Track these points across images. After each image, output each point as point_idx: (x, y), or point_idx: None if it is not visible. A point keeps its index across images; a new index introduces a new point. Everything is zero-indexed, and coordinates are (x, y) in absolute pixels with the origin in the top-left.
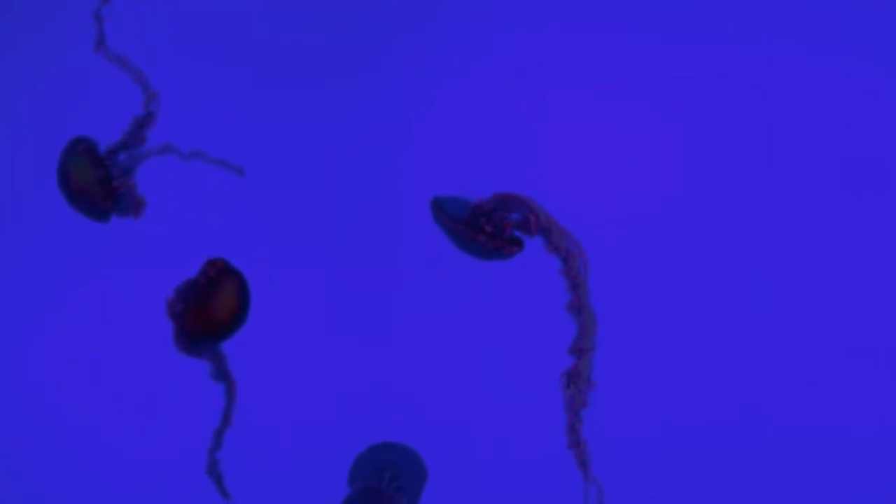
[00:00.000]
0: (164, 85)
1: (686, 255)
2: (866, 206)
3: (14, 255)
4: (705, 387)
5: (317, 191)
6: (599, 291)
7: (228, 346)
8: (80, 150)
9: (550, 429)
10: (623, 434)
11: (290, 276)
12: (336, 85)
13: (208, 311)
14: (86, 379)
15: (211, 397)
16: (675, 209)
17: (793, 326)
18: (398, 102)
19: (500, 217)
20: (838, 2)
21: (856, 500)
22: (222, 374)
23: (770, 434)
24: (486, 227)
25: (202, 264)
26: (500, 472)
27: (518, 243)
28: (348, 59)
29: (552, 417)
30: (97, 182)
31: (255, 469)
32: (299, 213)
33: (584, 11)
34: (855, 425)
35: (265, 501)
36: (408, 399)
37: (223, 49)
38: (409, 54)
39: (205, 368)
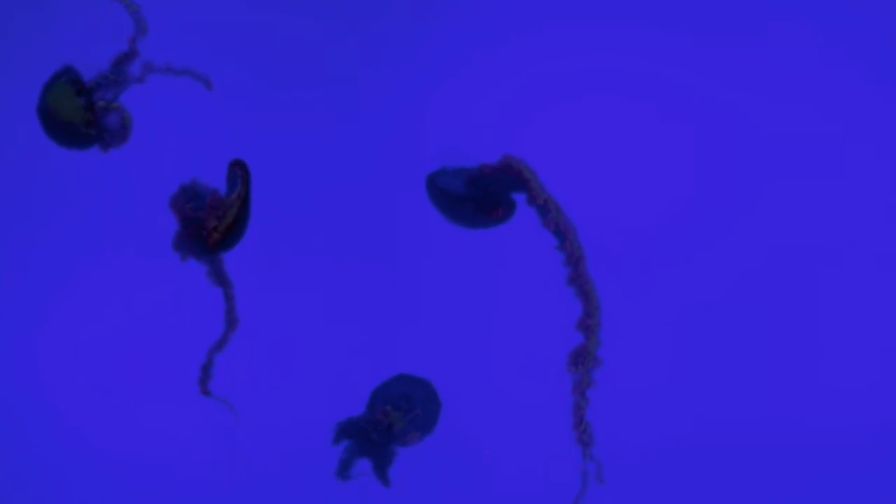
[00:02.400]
0: (164, 71)
1: (685, 248)
2: (870, 208)
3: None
4: (705, 379)
5: (317, 180)
6: (601, 284)
7: (250, 295)
8: (63, 81)
9: (556, 372)
10: (624, 423)
11: (295, 247)
12: (336, 81)
13: (233, 222)
14: (83, 374)
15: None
16: (673, 202)
17: (788, 318)
18: (397, 100)
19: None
20: (841, 5)
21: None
22: (221, 277)
23: (771, 429)
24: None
25: (231, 168)
26: (508, 411)
27: (509, 207)
28: (348, 57)
29: (558, 363)
30: (80, 109)
31: (274, 393)
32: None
33: (584, 11)
34: (860, 427)
35: (285, 420)
36: (424, 335)
37: (219, 40)
38: (410, 52)
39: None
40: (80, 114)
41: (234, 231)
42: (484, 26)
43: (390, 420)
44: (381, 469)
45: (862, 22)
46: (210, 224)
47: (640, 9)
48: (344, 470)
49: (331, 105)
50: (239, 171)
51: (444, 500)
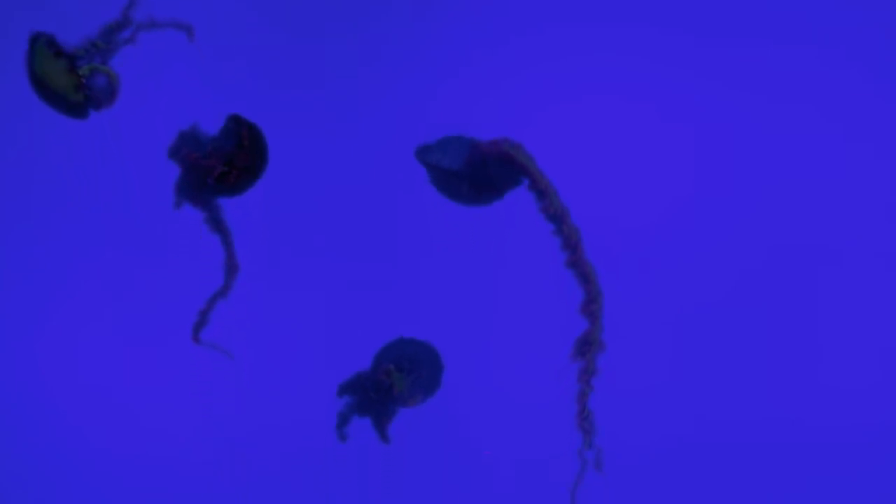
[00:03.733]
0: (166, 47)
1: (686, 248)
2: (870, 208)
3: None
4: (705, 379)
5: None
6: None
7: (252, 289)
8: (40, 45)
9: (559, 349)
10: (624, 421)
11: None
12: (336, 81)
13: (247, 166)
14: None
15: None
16: (673, 202)
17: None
18: (397, 100)
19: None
20: (842, 8)
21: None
22: (219, 224)
23: (771, 428)
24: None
25: (236, 124)
26: (511, 370)
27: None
28: (348, 57)
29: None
30: (64, 72)
31: (277, 356)
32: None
33: (584, 11)
34: (860, 427)
35: (284, 382)
36: (427, 321)
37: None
38: (410, 52)
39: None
40: (65, 76)
41: (250, 173)
42: (484, 26)
43: (392, 380)
44: (381, 427)
45: (862, 22)
46: (217, 169)
47: (640, 9)
48: (342, 425)
49: (331, 105)
50: (232, 125)
51: (443, 461)
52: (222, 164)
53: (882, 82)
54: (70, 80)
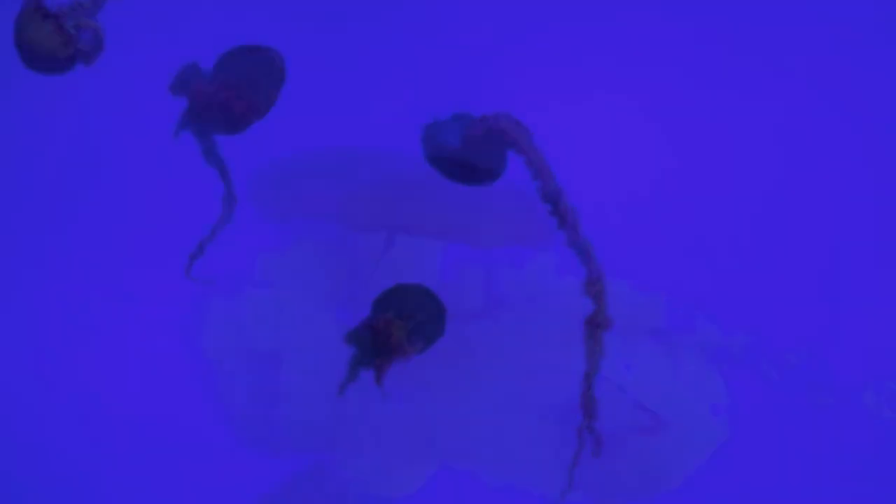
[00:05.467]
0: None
1: (686, 249)
2: (870, 208)
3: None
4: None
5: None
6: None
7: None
8: (29, 10)
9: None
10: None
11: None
12: (336, 81)
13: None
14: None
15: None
16: (674, 203)
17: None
18: (397, 100)
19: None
20: (842, 8)
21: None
22: (217, 157)
23: (771, 427)
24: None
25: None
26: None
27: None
28: (347, 57)
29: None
30: (52, 33)
31: (276, 352)
32: None
33: (585, 12)
34: (860, 427)
35: (285, 379)
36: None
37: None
38: (410, 52)
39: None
40: (53, 35)
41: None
42: (484, 26)
43: (392, 329)
44: (380, 378)
45: (862, 22)
46: (233, 103)
47: (640, 9)
48: (350, 379)
49: (332, 104)
50: (267, 53)
51: (444, 412)
52: (237, 96)
53: (882, 82)
54: (59, 38)
